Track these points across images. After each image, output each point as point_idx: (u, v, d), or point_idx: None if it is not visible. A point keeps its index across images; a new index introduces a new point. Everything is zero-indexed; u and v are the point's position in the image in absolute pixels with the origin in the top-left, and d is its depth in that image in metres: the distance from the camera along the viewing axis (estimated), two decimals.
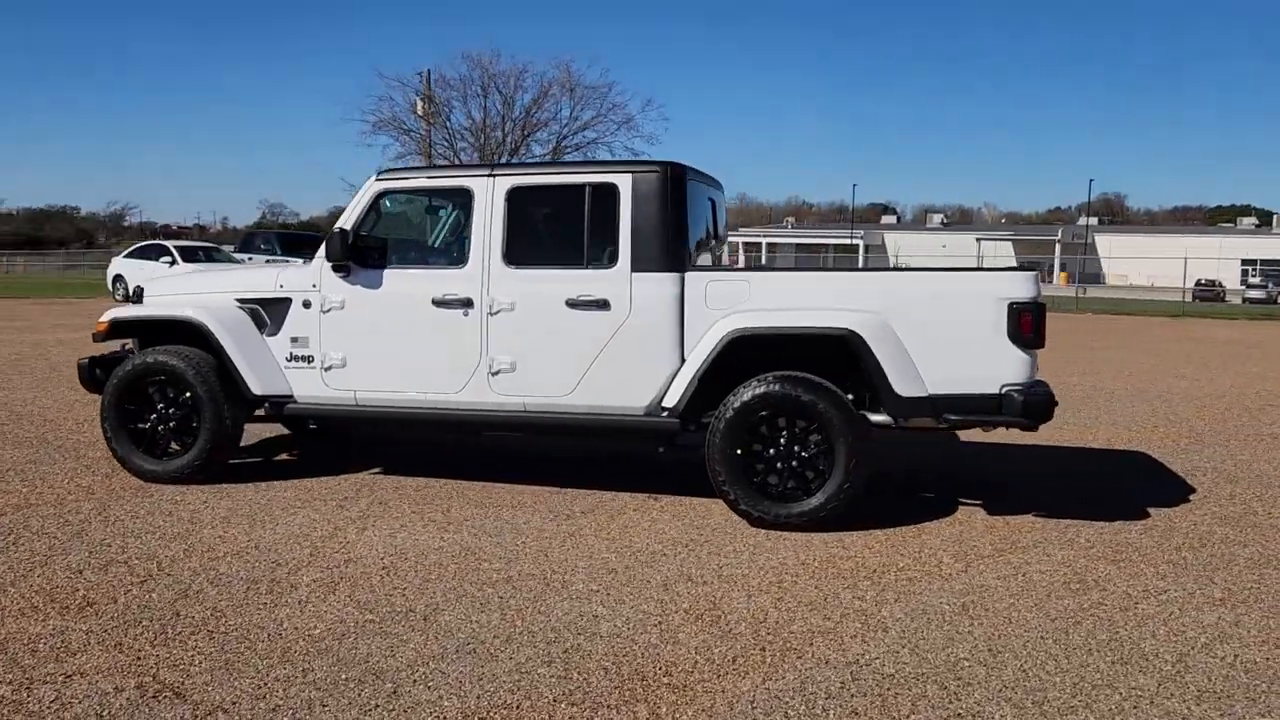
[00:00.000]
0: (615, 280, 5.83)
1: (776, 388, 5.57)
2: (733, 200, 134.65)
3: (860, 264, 68.33)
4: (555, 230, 6.19)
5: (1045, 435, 8.88)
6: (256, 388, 6.29)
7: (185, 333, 6.45)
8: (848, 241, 79.38)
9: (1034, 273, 5.55)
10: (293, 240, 28.41)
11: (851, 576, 4.88)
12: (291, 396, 6.38)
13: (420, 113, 39.15)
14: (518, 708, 3.44)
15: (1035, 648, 4.05)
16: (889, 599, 4.58)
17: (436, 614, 4.28)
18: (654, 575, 4.84)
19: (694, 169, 6.31)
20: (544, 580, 4.74)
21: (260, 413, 6.54)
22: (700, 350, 5.69)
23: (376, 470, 6.92)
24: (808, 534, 5.55)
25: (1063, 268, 67.63)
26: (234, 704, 3.42)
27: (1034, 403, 5.42)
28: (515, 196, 6.03)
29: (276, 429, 7.95)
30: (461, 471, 6.87)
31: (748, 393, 5.62)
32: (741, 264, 77.47)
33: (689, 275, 5.79)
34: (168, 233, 78.18)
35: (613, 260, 5.85)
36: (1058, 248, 74.30)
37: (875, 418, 5.71)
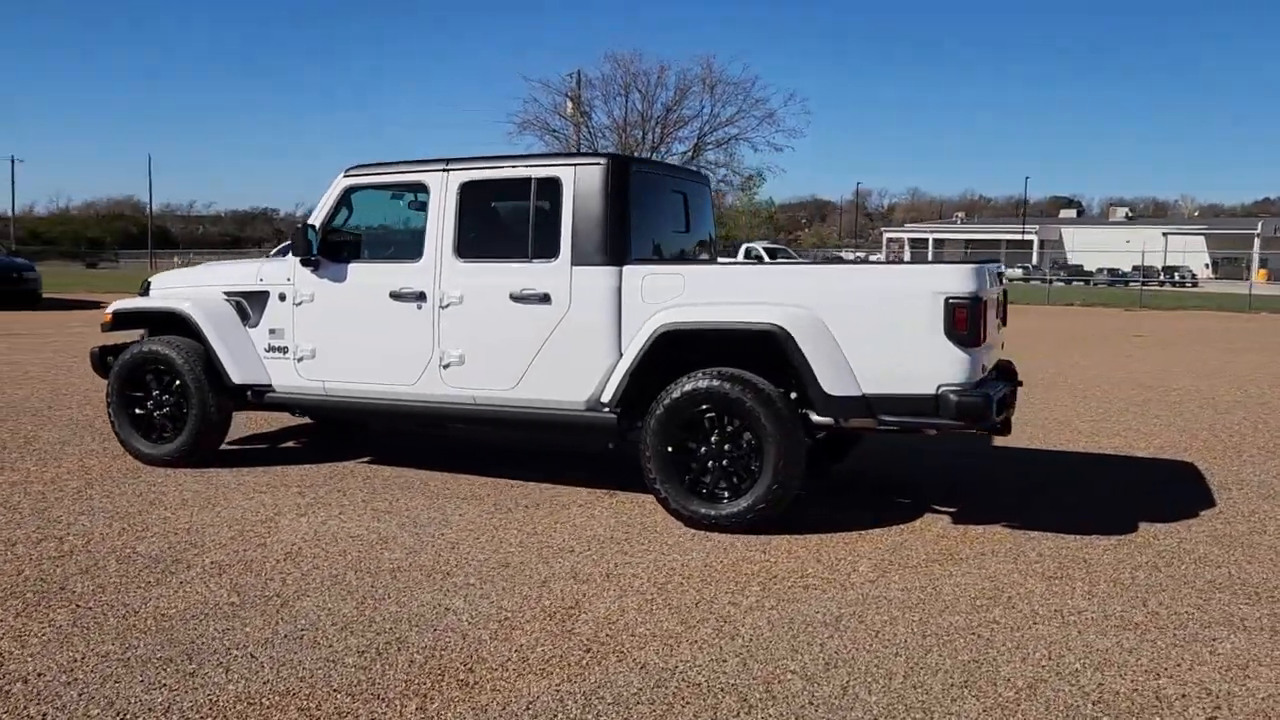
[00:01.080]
0: (556, 274, 5.79)
1: (704, 384, 5.42)
2: (903, 195, 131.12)
3: (1006, 262, 65.37)
4: (503, 224, 6.22)
5: (1100, 442, 8.32)
6: (236, 377, 6.57)
7: (180, 324, 6.80)
8: (1019, 237, 75.97)
9: (975, 267, 5.18)
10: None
11: (746, 581, 4.70)
12: (270, 386, 6.63)
13: (570, 113, 39.87)
14: (293, 694, 3.47)
15: (878, 666, 3.79)
16: (766, 606, 4.39)
17: (297, 600, 4.37)
18: (542, 572, 4.79)
19: (652, 162, 6.22)
20: (430, 572, 4.76)
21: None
22: (634, 346, 5.60)
23: (366, 460, 7.12)
24: (734, 536, 5.38)
25: (1263, 264, 62.73)
26: (39, 675, 3.59)
27: (969, 404, 5.07)
28: (467, 190, 6.09)
29: (290, 418, 8.27)
30: (445, 464, 6.97)
31: (678, 389, 5.49)
32: (902, 260, 75.58)
33: (627, 269, 5.70)
34: None
35: (555, 254, 5.81)
36: (1257, 242, 68.92)
37: (819, 419, 5.47)
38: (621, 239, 5.74)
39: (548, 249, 5.85)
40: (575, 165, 5.82)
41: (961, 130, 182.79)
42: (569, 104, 39.72)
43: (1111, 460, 7.69)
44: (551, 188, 5.86)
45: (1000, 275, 6.63)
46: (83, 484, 6.27)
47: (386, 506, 5.89)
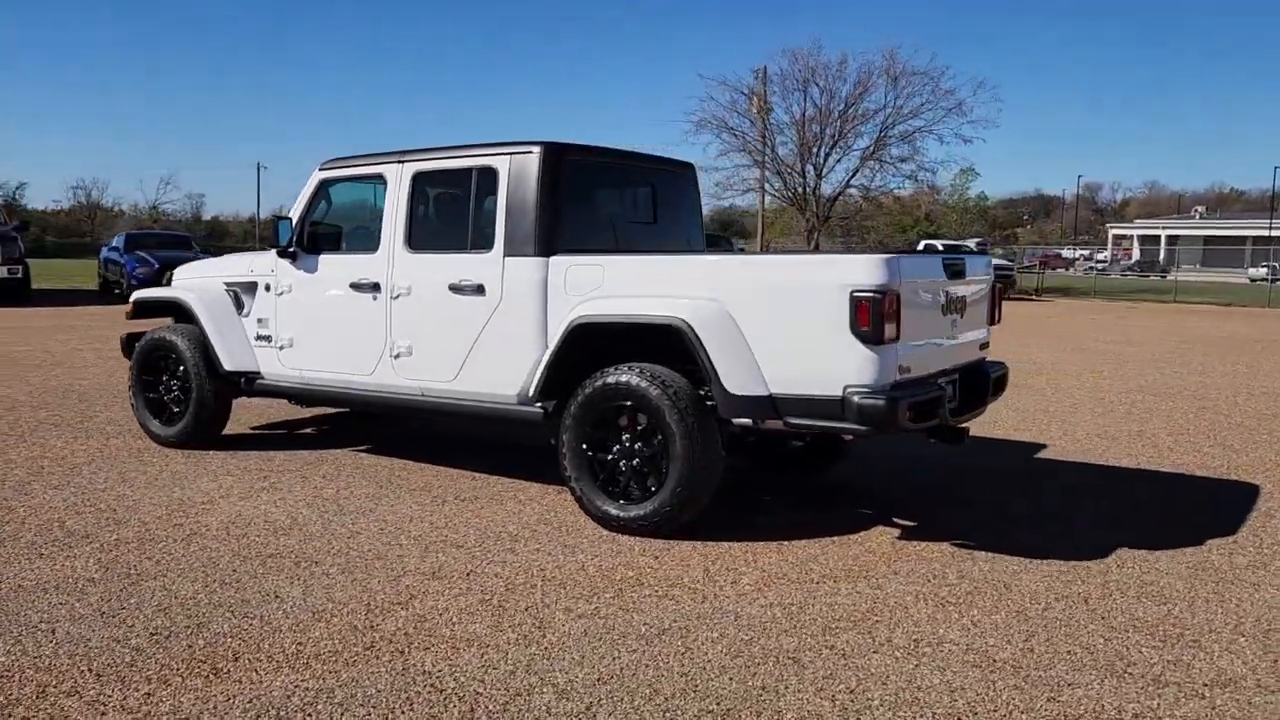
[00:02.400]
0: (491, 265, 5.70)
1: (613, 379, 5.19)
2: (1139, 189, 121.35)
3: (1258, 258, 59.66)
4: (447, 215, 6.18)
5: (1169, 458, 7.46)
6: (228, 364, 6.84)
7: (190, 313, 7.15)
8: (1266, 233, 69.27)
9: (888, 257, 4.69)
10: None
11: (604, 587, 4.46)
12: (259, 374, 6.86)
13: (755, 110, 39.42)
14: (45, 669, 3.54)
15: (648, 686, 3.50)
16: (600, 615, 4.14)
17: (150, 579, 4.47)
18: (408, 566, 4.71)
19: (604, 150, 6.01)
20: (302, 560, 4.77)
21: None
22: (554, 339, 5.43)
23: (365, 448, 7.25)
24: (639, 539, 5.13)
25: None
26: None
27: (871, 408, 4.61)
28: (417, 181, 6.09)
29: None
30: (430, 456, 7.00)
31: (591, 384, 5.29)
32: (1131, 258, 70.46)
33: (553, 260, 5.53)
34: None
35: (490, 245, 5.72)
36: None
37: (739, 420, 5.14)
38: (551, 229, 5.58)
39: (484, 240, 5.76)
40: (510, 154, 5.70)
41: (1210, 115, 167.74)
42: (753, 101, 39.27)
43: (1162, 478, 6.85)
44: (489, 178, 5.77)
45: (992, 267, 6.04)
46: (79, 463, 6.68)
47: (332, 494, 5.97)
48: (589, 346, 5.37)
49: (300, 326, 6.59)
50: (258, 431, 7.88)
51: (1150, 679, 3.61)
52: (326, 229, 6.54)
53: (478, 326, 5.73)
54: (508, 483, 6.26)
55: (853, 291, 4.63)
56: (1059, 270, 64.59)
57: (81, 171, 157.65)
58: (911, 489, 6.45)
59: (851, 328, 4.64)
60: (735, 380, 4.89)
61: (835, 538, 5.25)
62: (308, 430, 8.01)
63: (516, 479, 6.33)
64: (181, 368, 7.01)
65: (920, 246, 33.51)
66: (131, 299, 7.55)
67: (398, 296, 6.06)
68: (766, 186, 38.15)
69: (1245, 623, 4.18)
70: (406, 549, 4.96)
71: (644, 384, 5.08)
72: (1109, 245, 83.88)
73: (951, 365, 5.37)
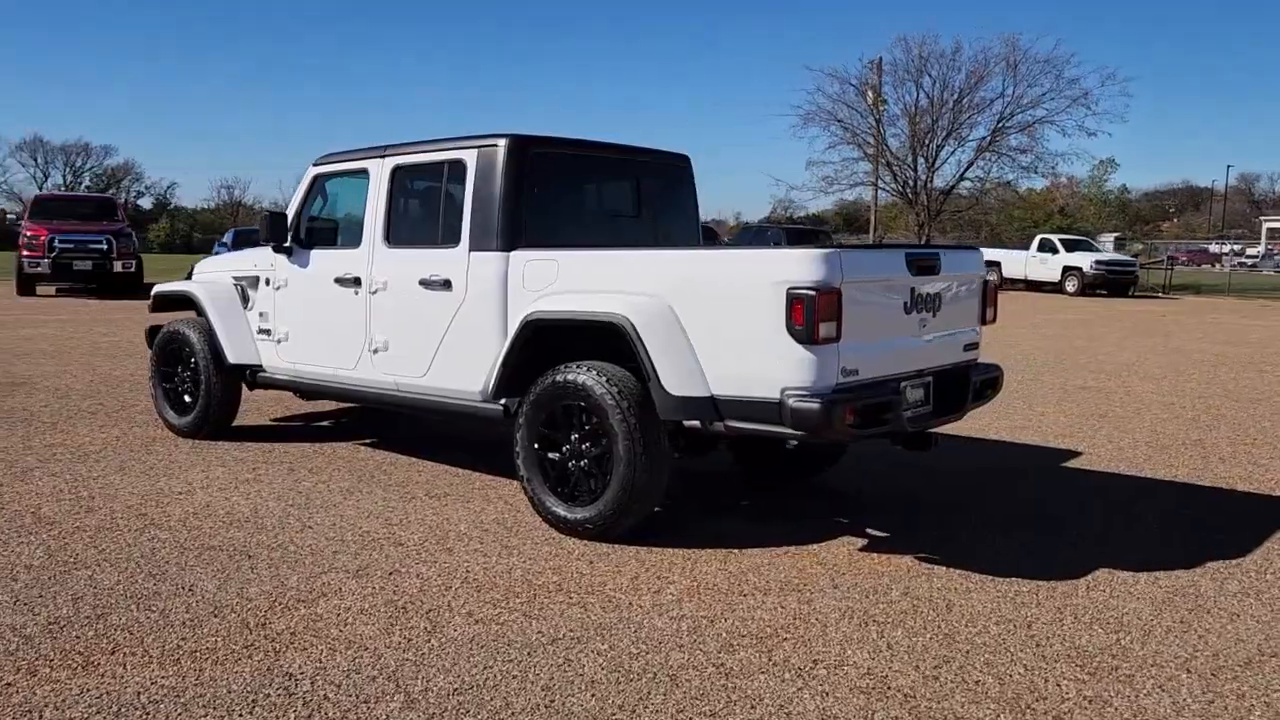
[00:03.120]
0: (457, 260, 5.63)
1: (562, 377, 5.05)
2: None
3: None
4: (421, 209, 6.13)
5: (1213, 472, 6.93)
6: (232, 356, 6.96)
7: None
8: None
9: (828, 251, 4.41)
10: (796, 234, 29.40)
11: (520, 592, 4.34)
12: (261, 366, 6.97)
13: (869, 102, 38.51)
14: None
15: (504, 700, 3.37)
16: (500, 621, 4.02)
17: (84, 568, 4.52)
18: (338, 564, 4.67)
19: (580, 142, 5.88)
20: (239, 553, 4.78)
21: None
22: (510, 336, 5.33)
23: (368, 442, 7.30)
24: (585, 543, 4.98)
25: None
26: None
27: (804, 413, 4.35)
28: (396, 176, 6.06)
29: None
30: (428, 452, 6.99)
31: (542, 382, 5.16)
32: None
33: (513, 256, 5.42)
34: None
35: (457, 239, 5.65)
36: None
37: (687, 422, 4.93)
38: (513, 223, 5.47)
39: (452, 235, 5.69)
40: (478, 147, 5.61)
41: None
42: (866, 93, 38.36)
43: (1196, 491, 6.33)
44: (458, 171, 5.69)
45: (982, 264, 5.67)
46: (97, 449, 6.90)
47: (308, 487, 6.00)
48: (547, 344, 5.25)
49: (294, 320, 6.66)
50: (277, 423, 8.02)
51: (1052, 716, 3.29)
52: (318, 224, 6.59)
53: (445, 322, 5.67)
54: (487, 480, 6.19)
55: (789, 289, 4.37)
56: (1203, 266, 61.06)
57: (228, 171, 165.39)
58: (906, 495, 6.11)
59: (788, 327, 4.39)
60: (675, 380, 4.69)
61: (792, 547, 5.00)
62: (324, 423, 8.11)
63: (500, 477, 6.24)
64: (194, 360, 7.18)
65: (1035, 244, 32.14)
66: (152, 292, 7.77)
67: (376, 291, 6.05)
68: (878, 181, 37.24)
69: (1199, 657, 3.79)
70: (345, 545, 4.94)
71: (590, 383, 4.93)
72: (1262, 239, 78.93)
73: (922, 367, 5.04)
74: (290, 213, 6.60)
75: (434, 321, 5.72)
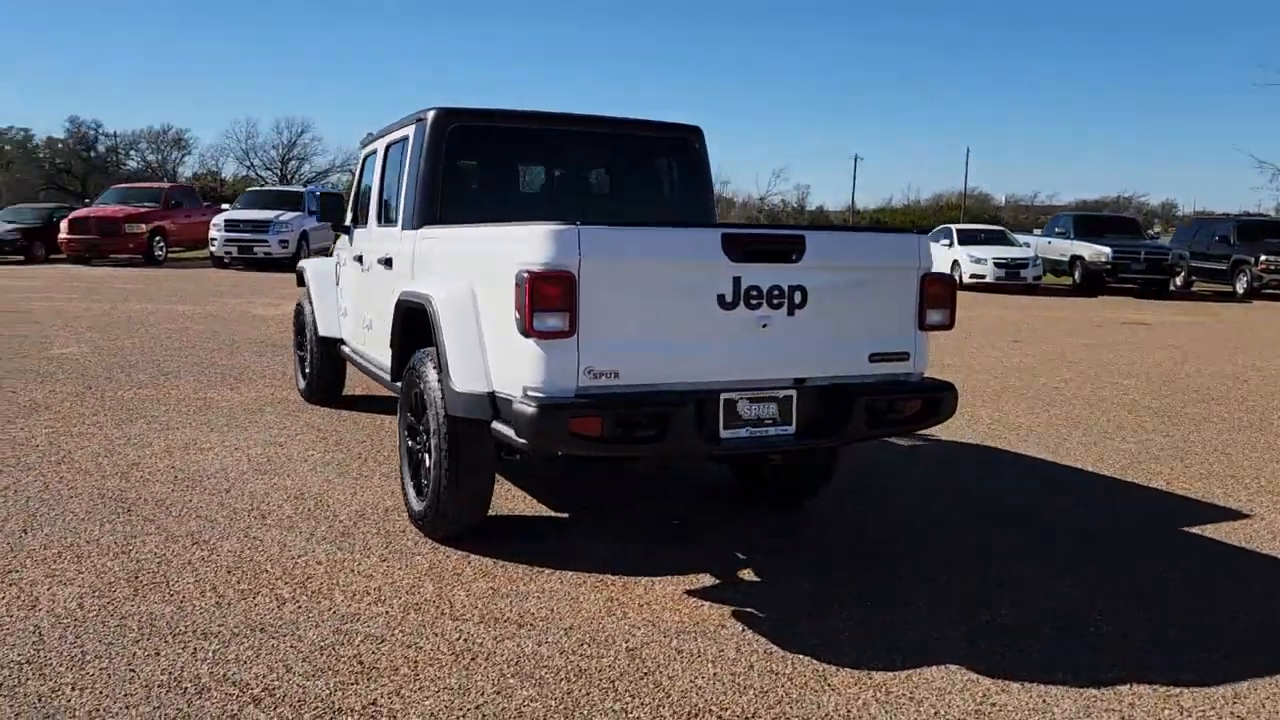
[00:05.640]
0: (395, 238, 5.56)
1: (412, 365, 4.80)
2: None
3: None
4: (393, 186, 6.05)
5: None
6: (321, 329, 7.43)
7: None
8: None
9: (563, 228, 3.69)
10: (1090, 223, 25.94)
11: (309, 583, 4.16)
12: (342, 340, 7.36)
13: None
14: None
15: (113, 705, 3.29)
16: (241, 609, 3.94)
17: (31, 528, 4.90)
18: (249, 544, 4.65)
19: (537, 115, 5.50)
20: (146, 510, 5.02)
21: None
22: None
23: None
24: (468, 549, 4.62)
25: None
26: None
27: (519, 417, 3.74)
28: (389, 153, 6.08)
29: None
30: None
31: (407, 369, 4.93)
32: None
33: (419, 234, 5.22)
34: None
35: (397, 218, 5.57)
36: None
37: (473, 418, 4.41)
38: (428, 201, 5.27)
39: (394, 213, 5.63)
40: (415, 123, 5.47)
41: None
42: None
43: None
44: (405, 147, 5.59)
45: (916, 248, 4.47)
46: (148, 404, 7.58)
47: (319, 458, 6.14)
48: (417, 327, 4.97)
49: (345, 298, 6.96)
50: (366, 394, 8.27)
51: None
52: (357, 203, 6.81)
53: (388, 301, 5.62)
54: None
55: (518, 271, 3.76)
56: None
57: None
58: (888, 528, 4.98)
59: (516, 317, 3.79)
60: (461, 372, 4.25)
61: (670, 577, 4.31)
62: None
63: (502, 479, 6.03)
64: (306, 330, 7.78)
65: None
66: (297, 267, 8.50)
67: (368, 269, 6.15)
68: None
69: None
70: (238, 515, 5.00)
71: (427, 373, 4.60)
72: None
73: (773, 377, 4.08)
74: (336, 194, 6.89)
75: (384, 300, 5.69)
